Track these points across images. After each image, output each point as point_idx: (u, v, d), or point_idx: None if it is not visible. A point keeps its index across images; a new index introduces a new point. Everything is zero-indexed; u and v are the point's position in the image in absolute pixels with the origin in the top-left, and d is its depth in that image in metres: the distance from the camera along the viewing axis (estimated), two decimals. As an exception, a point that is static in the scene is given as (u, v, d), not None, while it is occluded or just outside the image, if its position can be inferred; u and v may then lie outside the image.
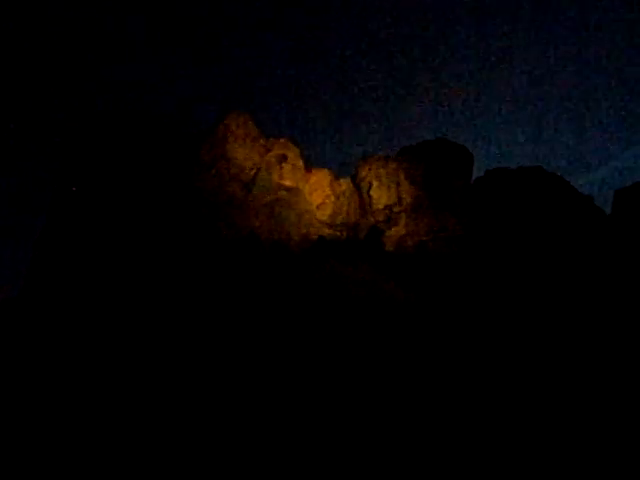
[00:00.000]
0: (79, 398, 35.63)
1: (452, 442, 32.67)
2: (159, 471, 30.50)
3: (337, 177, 62.23)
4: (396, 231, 54.58)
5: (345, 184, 61.37)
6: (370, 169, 60.37)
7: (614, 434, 32.39)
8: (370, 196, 59.00)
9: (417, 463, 31.16)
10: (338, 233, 55.94)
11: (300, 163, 59.70)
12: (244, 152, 57.72)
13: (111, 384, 36.73)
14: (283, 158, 57.90)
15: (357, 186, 60.86)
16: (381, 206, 57.92)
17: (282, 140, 59.83)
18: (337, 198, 60.05)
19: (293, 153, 59.04)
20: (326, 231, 55.68)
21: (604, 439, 32.07)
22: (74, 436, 32.82)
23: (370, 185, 59.39)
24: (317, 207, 58.91)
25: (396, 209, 56.64)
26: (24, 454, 31.53)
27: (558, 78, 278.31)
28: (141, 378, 37.20)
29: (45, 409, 34.99)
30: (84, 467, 30.66)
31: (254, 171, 57.14)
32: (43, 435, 33.01)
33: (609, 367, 39.11)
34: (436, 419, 34.65)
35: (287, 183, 57.33)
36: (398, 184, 58.78)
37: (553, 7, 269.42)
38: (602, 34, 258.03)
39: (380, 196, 58.52)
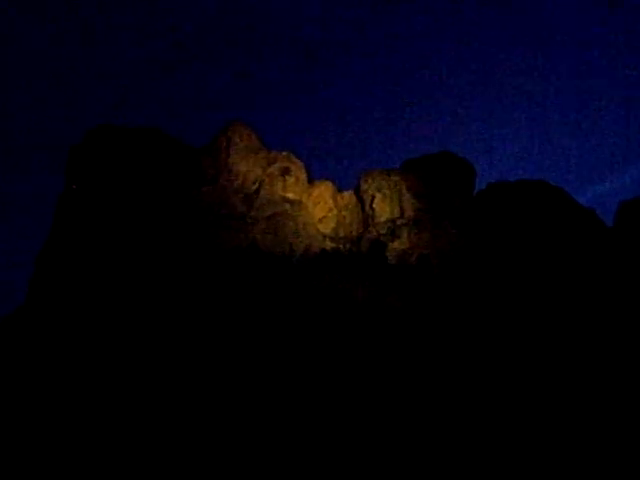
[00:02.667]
0: (83, 406, 35.65)
1: (450, 446, 32.70)
2: (162, 472, 30.62)
3: (340, 190, 62.17)
4: (399, 244, 54.47)
5: (348, 197, 61.26)
6: (372, 182, 60.32)
7: (609, 437, 32.34)
8: (372, 209, 58.90)
9: (412, 465, 31.15)
10: (340, 246, 55.79)
11: (303, 176, 59.67)
12: (246, 165, 57.77)
13: (114, 392, 36.72)
14: (286, 171, 57.90)
15: (360, 199, 60.76)
16: (383, 219, 57.80)
17: (285, 153, 59.90)
18: (339, 211, 59.92)
19: (296, 166, 59.05)
20: (328, 244, 55.54)
21: (600, 441, 32.00)
22: (77, 442, 32.85)
23: (372, 198, 59.31)
24: (319, 220, 58.76)
25: (398, 222, 56.57)
26: (26, 458, 31.56)
27: (562, 92, 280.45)
28: (143, 385, 37.20)
29: (49, 416, 35.00)
30: (89, 472, 30.71)
31: (257, 184, 57.16)
32: (45, 440, 33.03)
33: (610, 379, 39.03)
34: (434, 431, 34.54)
35: (290, 196, 57.29)
36: (400, 197, 58.75)
37: (557, 19, 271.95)
38: (605, 48, 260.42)
39: (382, 209, 58.42)
